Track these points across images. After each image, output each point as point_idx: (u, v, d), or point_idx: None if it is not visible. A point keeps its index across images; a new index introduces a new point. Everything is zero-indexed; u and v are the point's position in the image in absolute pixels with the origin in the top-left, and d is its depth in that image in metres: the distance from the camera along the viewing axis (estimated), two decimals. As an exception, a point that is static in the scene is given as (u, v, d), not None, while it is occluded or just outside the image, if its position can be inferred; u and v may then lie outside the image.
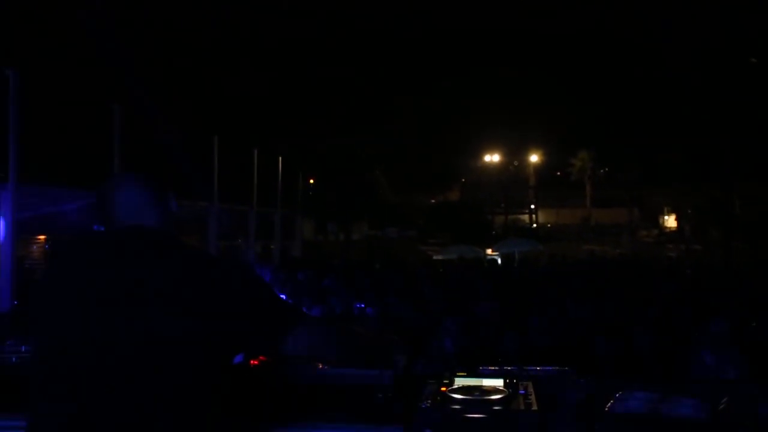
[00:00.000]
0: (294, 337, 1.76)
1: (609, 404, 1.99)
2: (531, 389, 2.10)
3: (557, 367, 2.44)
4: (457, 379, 2.19)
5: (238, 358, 2.07)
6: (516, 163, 60.43)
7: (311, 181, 40.22)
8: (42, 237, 20.96)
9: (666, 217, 54.29)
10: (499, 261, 25.29)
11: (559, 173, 60.64)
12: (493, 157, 59.33)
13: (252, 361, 2.13)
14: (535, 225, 56.85)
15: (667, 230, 51.58)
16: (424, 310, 9.09)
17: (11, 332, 2.05)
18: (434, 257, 27.58)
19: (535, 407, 1.96)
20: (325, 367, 2.05)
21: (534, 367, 2.47)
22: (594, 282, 13.56)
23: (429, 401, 2.00)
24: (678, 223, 51.20)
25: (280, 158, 23.31)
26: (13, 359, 2.27)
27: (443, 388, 2.10)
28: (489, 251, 26.83)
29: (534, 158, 59.73)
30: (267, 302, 1.79)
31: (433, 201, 58.52)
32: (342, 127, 46.56)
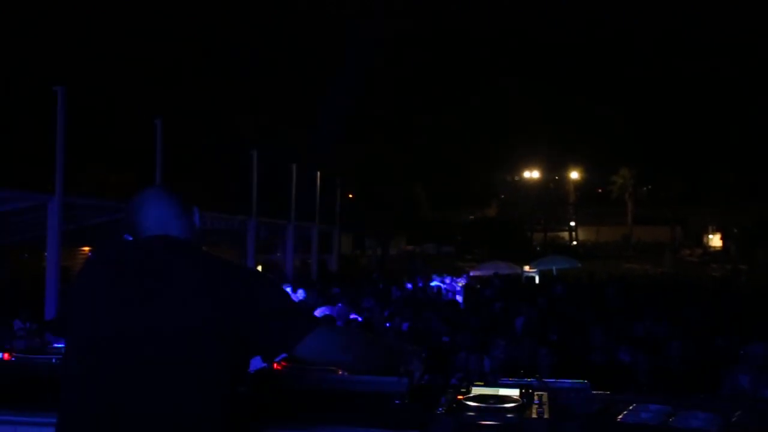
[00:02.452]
0: (313, 343, 1.85)
1: (621, 416, 2.02)
2: (545, 399, 2.14)
3: (574, 381, 2.47)
4: (474, 388, 2.24)
5: (259, 363, 2.16)
6: (556, 178, 59.98)
7: (350, 195, 40.42)
8: (86, 249, 21.47)
9: (710, 236, 53.23)
10: (537, 279, 25.09)
11: (599, 190, 59.99)
12: (532, 174, 58.97)
13: (275, 366, 2.21)
14: (574, 242, 56.23)
15: (712, 249, 50.55)
16: (458, 326, 9.11)
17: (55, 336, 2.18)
18: (471, 273, 27.44)
19: (547, 416, 2.00)
20: (344, 373, 2.12)
21: (552, 380, 2.51)
22: (634, 300, 13.43)
23: (444, 408, 2.05)
24: (723, 243, 50.16)
25: (319, 173, 23.52)
26: (53, 360, 2.39)
27: (460, 396, 2.15)
28: (526, 268, 26.60)
29: (574, 175, 59.19)
30: (282, 306, 1.89)
31: (471, 217, 58.34)
32: (381, 141, 46.79)
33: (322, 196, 23.82)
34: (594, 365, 7.01)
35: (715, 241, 52.30)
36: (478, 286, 19.85)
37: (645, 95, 52.68)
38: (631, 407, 2.09)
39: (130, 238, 2.03)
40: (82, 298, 1.93)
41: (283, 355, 1.96)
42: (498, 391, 2.21)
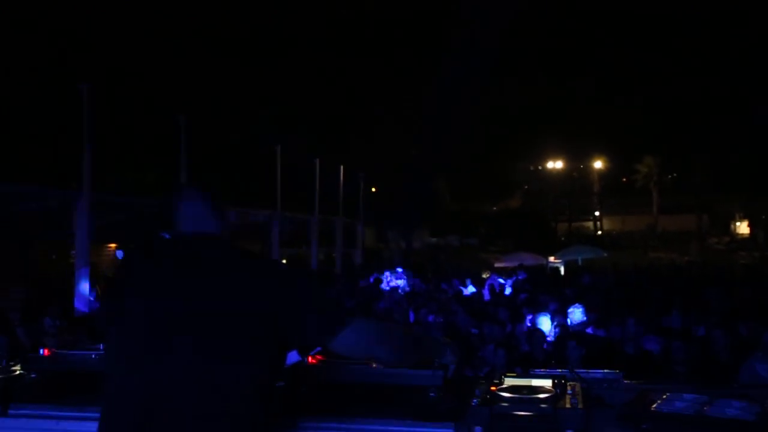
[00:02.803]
0: (349, 337, 1.89)
1: (655, 405, 2.03)
2: (578, 389, 2.15)
3: (607, 371, 2.48)
4: (506, 379, 2.26)
5: (295, 357, 2.20)
6: (580, 167, 59.55)
7: (373, 189, 40.45)
8: (113, 245, 21.73)
9: (738, 224, 52.58)
10: (562, 269, 24.97)
11: (624, 179, 59.44)
12: (555, 164, 58.59)
13: (310, 359, 2.25)
14: (599, 232, 55.83)
15: (739, 237, 49.93)
16: (484, 318, 9.10)
17: (91, 332, 2.24)
18: (495, 264, 27.38)
19: (581, 406, 2.01)
20: (379, 367, 2.15)
21: (584, 370, 2.52)
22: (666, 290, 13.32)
23: (479, 400, 2.08)
24: (750, 230, 49.54)
25: (342, 167, 23.58)
26: (93, 356, 2.45)
27: (493, 387, 2.17)
28: (551, 258, 26.48)
29: (598, 164, 58.73)
30: (319, 301, 1.93)
31: (494, 208, 58.12)
32: (404, 134, 46.72)
33: (345, 190, 23.90)
34: (625, 355, 6.99)
35: (743, 228, 51.67)
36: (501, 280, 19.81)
37: (667, 83, 52.06)
38: (665, 396, 2.09)
39: (167, 236, 2.08)
40: (125, 293, 1.99)
41: (319, 348, 2.00)
42: (531, 382, 2.23)
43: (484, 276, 18.97)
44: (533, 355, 7.14)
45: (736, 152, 46.76)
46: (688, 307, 9.60)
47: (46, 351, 2.52)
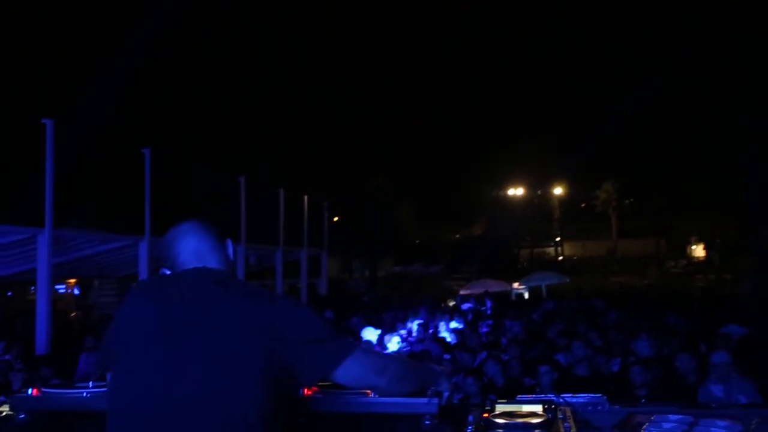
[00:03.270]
0: (350, 367, 1.92)
1: (645, 426, 2.10)
2: (569, 414, 2.22)
3: (591, 395, 2.55)
4: (497, 406, 2.32)
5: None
6: (540, 194, 60.42)
7: (335, 219, 40.47)
8: (72, 280, 21.37)
9: (694, 247, 53.72)
10: (526, 295, 25.22)
11: (583, 205, 60.45)
12: (516, 191, 59.37)
13: (306, 391, 2.27)
14: (561, 258, 56.54)
15: (695, 260, 51.00)
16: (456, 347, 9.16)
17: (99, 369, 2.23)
18: (461, 292, 27.54)
19: (574, 430, 2.08)
20: (375, 396, 2.19)
21: (569, 395, 2.59)
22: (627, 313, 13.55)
23: (473, 426, 2.12)
24: (706, 253, 50.64)
25: (306, 197, 23.58)
26: (84, 394, 2.43)
27: (486, 414, 2.22)
28: (515, 285, 26.73)
29: (558, 191, 59.67)
30: (320, 332, 1.96)
31: (457, 236, 58.52)
32: (367, 164, 46.96)
33: (309, 221, 23.87)
34: (577, 377, 7.11)
35: (698, 251, 52.79)
36: (470, 305, 19.91)
37: (625, 110, 53.28)
38: (652, 418, 2.17)
39: (168, 272, 2.10)
40: (127, 331, 1.99)
41: (321, 379, 2.03)
42: (521, 408, 2.28)
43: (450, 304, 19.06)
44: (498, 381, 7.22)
45: (692, 178, 47.89)
46: (652, 331, 9.79)
47: (35, 390, 2.50)
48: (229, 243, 2.18)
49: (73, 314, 19.15)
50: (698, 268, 45.45)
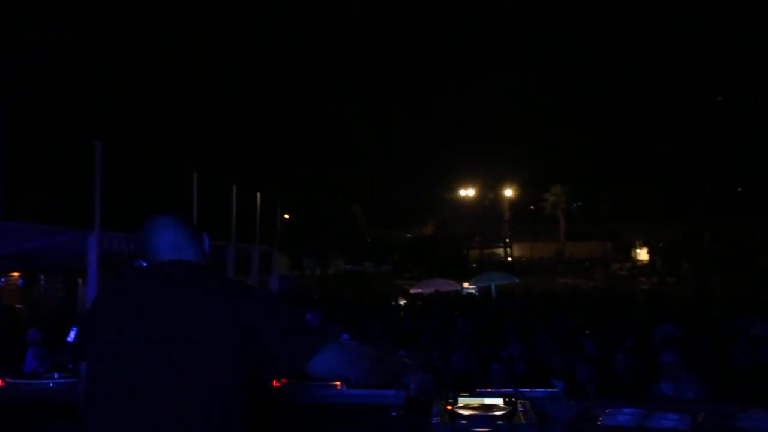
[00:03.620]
0: (323, 360, 1.98)
1: (600, 419, 2.21)
2: (529, 407, 2.32)
3: (547, 389, 2.66)
4: (460, 399, 2.40)
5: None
6: (491, 196, 61.13)
7: (285, 216, 40.28)
8: (16, 274, 20.80)
9: (638, 251, 55.02)
10: (476, 294, 25.47)
11: (533, 207, 61.42)
12: (468, 192, 59.95)
13: (274, 383, 2.32)
14: (510, 258, 57.29)
15: (640, 263, 52.25)
16: (406, 343, 9.25)
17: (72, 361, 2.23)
18: (411, 291, 27.69)
19: (534, 422, 2.17)
20: (343, 387, 2.24)
21: (528, 389, 2.69)
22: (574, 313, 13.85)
23: (439, 418, 2.20)
24: (650, 257, 51.91)
25: (259, 193, 23.42)
26: (51, 384, 2.43)
27: (449, 407, 2.31)
28: (465, 285, 26.98)
29: (508, 192, 60.46)
30: (297, 325, 2.01)
31: (408, 235, 58.82)
32: (319, 162, 46.86)
33: (261, 217, 23.70)
34: (518, 376, 7.31)
35: (643, 255, 54.08)
36: (419, 303, 20.08)
37: (576, 113, 54.32)
38: (607, 411, 2.28)
39: (145, 264, 2.12)
40: (103, 323, 2.01)
41: (295, 370, 2.08)
42: (484, 401, 2.37)
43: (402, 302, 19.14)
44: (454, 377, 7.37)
45: (637, 183, 49.14)
46: (599, 331, 10.06)
47: (0, 381, 2.48)
48: (206, 237, 2.22)
49: (18, 307, 18.67)
50: (642, 271, 46.57)
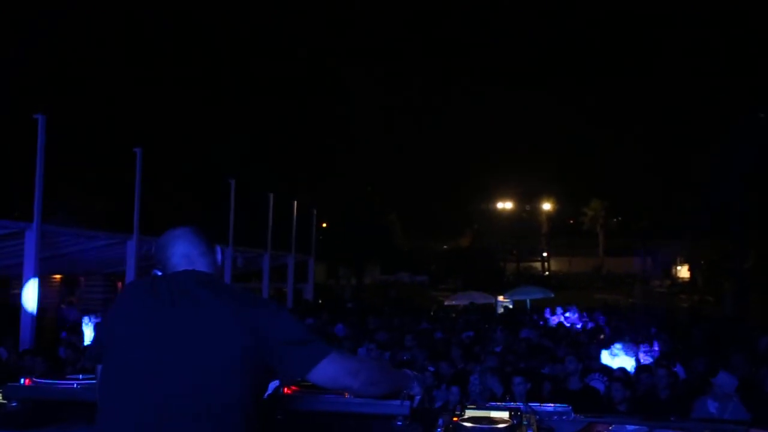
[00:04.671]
0: (325, 369, 2.05)
1: (602, 435, 2.24)
2: (533, 421, 2.35)
3: (558, 405, 2.69)
4: (467, 411, 2.44)
5: (272, 387, 2.35)
6: (529, 209, 60.72)
7: (324, 225, 40.56)
8: (58, 276, 21.31)
9: (679, 268, 54.14)
10: (511, 307, 25.34)
11: (571, 221, 60.84)
12: (505, 204, 59.65)
13: (286, 390, 2.40)
14: (547, 273, 56.80)
15: (680, 281, 51.40)
16: (438, 356, 9.26)
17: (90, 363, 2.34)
18: (445, 302, 27.67)
19: (536, 436, 2.21)
20: (350, 397, 2.31)
21: (537, 404, 2.72)
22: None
23: (443, 429, 2.25)
24: (690, 274, 51.03)
25: (295, 202, 23.67)
26: (75, 385, 2.54)
27: (455, 418, 2.35)
28: (501, 298, 26.87)
29: (547, 206, 60.01)
30: (299, 335, 2.09)
31: (445, 247, 58.70)
32: (358, 171, 47.11)
33: (298, 226, 23.94)
34: (568, 392, 7.26)
35: (683, 272, 53.20)
36: (453, 315, 20.07)
37: (617, 128, 53.82)
38: (610, 428, 2.30)
39: (160, 273, 2.23)
40: (119, 327, 2.11)
41: (298, 378, 2.16)
42: (489, 414, 2.41)
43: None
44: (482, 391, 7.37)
45: (678, 200, 48.38)
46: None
47: (27, 381, 2.60)
48: (218, 249, 2.33)
49: (63, 307, 19.12)
50: (682, 289, 45.81)
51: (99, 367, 2.17)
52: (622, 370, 8.01)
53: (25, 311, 11.04)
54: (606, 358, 8.76)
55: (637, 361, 8.53)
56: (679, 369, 8.16)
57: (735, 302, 27.39)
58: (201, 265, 2.23)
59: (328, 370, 2.06)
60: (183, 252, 2.24)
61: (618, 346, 8.39)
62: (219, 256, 2.33)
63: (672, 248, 52.42)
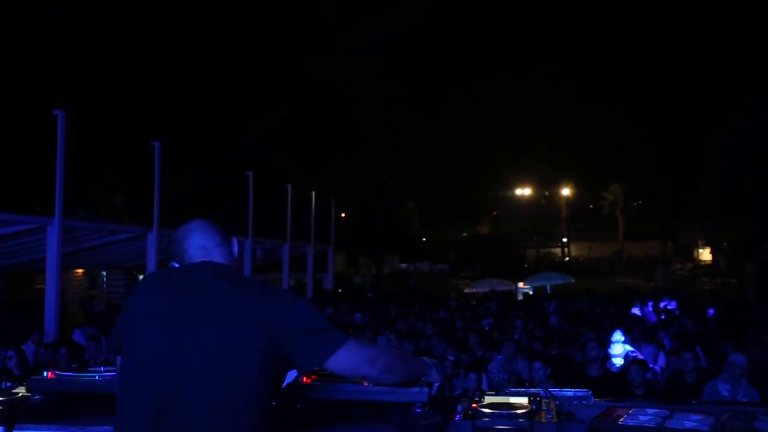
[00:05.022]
0: (342, 358, 2.06)
1: (622, 419, 2.23)
2: (552, 406, 2.35)
3: (577, 389, 2.69)
4: (486, 397, 2.45)
5: (292, 376, 2.36)
6: (546, 193, 60.44)
7: (343, 215, 40.64)
8: (80, 270, 21.57)
9: (700, 251, 53.66)
10: (531, 293, 25.26)
11: (591, 206, 60.47)
12: (524, 191, 59.41)
13: (305, 379, 2.41)
14: (567, 258, 56.56)
15: (702, 264, 50.94)
16: (458, 344, 9.27)
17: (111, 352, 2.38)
18: (465, 290, 27.65)
19: (555, 420, 2.21)
20: (369, 385, 2.31)
21: (557, 389, 2.72)
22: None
23: (462, 415, 2.25)
24: (713, 257, 50.56)
25: (314, 193, 23.73)
26: (97, 377, 2.57)
27: (474, 404, 2.36)
28: (521, 285, 26.79)
29: (566, 191, 59.67)
30: (315, 324, 2.10)
31: (464, 234, 58.63)
32: (375, 161, 47.09)
33: (316, 216, 24.00)
34: (589, 377, 7.24)
35: (705, 255, 52.72)
36: (474, 302, 20.01)
37: (635, 111, 53.33)
38: (630, 411, 2.29)
39: (177, 265, 2.25)
40: (137, 318, 2.13)
41: (315, 368, 2.17)
42: (508, 399, 2.41)
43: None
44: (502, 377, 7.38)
45: (700, 182, 47.92)
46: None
47: (50, 374, 2.64)
48: (234, 240, 2.34)
49: (87, 300, 19.37)
50: (705, 272, 45.39)
51: (119, 359, 2.19)
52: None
53: (49, 305, 11.19)
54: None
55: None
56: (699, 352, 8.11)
57: (756, 284, 27.10)
58: (217, 256, 2.24)
59: (345, 359, 2.07)
60: (199, 243, 2.25)
61: (619, 334, 8.32)
62: (236, 248, 2.34)
63: (693, 231, 51.97)
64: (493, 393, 2.50)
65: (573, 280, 27.81)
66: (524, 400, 2.38)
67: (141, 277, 18.50)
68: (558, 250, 59.21)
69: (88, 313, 17.42)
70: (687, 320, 11.94)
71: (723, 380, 6.55)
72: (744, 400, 6.13)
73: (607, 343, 8.11)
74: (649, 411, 2.27)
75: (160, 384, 2.00)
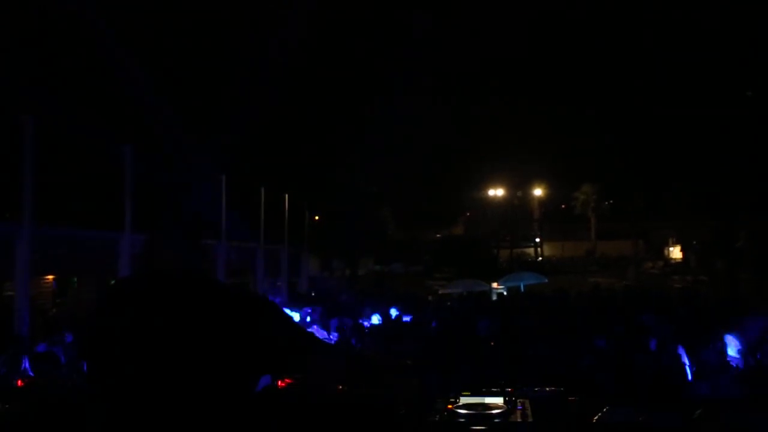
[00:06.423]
0: (313, 362, 2.06)
1: (596, 417, 2.25)
2: (527, 405, 2.37)
3: (551, 388, 2.71)
4: (462, 398, 2.46)
5: (265, 381, 2.35)
6: (519, 194, 60.85)
7: (316, 217, 40.56)
8: (50, 277, 21.24)
9: (671, 249, 54.36)
10: (505, 294, 25.41)
11: (563, 206, 61.00)
12: (497, 191, 59.75)
13: (279, 383, 2.40)
14: (540, 258, 56.97)
15: (673, 262, 51.61)
16: (432, 345, 9.29)
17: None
18: (440, 291, 27.72)
19: (530, 420, 2.23)
20: (344, 388, 2.32)
21: (532, 388, 2.74)
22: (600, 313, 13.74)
23: (438, 416, 2.26)
24: (683, 255, 51.25)
25: (287, 196, 23.69)
26: (68, 385, 2.54)
27: (450, 405, 2.37)
28: (495, 285, 26.92)
29: (538, 192, 60.14)
30: (284, 330, 2.09)
31: (438, 236, 58.79)
32: (348, 163, 46.99)
33: (290, 219, 23.96)
34: (560, 377, 7.29)
35: (676, 253, 53.42)
36: (449, 303, 20.07)
37: (605, 112, 53.84)
38: (604, 410, 2.32)
39: (145, 273, 2.22)
40: (105, 327, 2.10)
41: (286, 373, 2.16)
42: (484, 400, 2.43)
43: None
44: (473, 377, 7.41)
45: (670, 181, 48.51)
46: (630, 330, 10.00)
47: (19, 382, 2.60)
48: (210, 247, 2.32)
49: (53, 311, 19.06)
50: (675, 270, 45.99)
51: (85, 365, 2.16)
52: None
53: (20, 312, 11.04)
54: None
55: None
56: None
57: (727, 282, 27.54)
58: (189, 262, 2.22)
59: (318, 364, 2.07)
60: (171, 249, 2.22)
61: None
62: (210, 254, 2.33)
63: (664, 229, 52.68)
64: (468, 394, 2.51)
65: (546, 280, 28.02)
66: (499, 400, 2.39)
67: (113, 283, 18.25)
68: (531, 250, 59.64)
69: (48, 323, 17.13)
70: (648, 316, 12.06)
71: (702, 379, 6.60)
72: (726, 393, 6.20)
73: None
74: (621, 409, 2.30)
75: (131, 391, 1.97)
